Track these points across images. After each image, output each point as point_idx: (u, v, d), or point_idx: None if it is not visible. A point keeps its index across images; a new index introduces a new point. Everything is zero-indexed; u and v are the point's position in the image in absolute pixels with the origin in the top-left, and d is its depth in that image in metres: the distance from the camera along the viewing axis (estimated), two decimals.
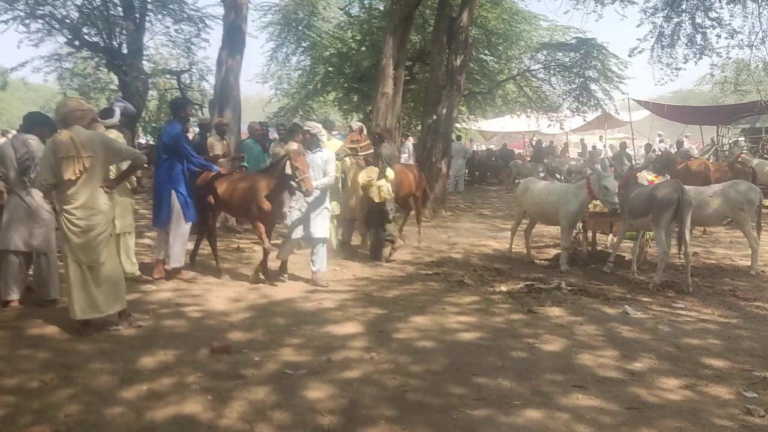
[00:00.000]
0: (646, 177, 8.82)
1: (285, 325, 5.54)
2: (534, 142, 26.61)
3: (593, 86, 20.61)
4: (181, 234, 6.95)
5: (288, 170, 6.80)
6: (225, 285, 7.01)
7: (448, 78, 13.79)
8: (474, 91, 22.59)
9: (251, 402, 3.88)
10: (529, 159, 24.40)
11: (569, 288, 6.96)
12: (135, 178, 7.49)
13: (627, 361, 4.66)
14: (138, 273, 7.01)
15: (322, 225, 7.25)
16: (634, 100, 21.56)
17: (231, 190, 7.21)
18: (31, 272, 6.12)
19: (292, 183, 6.79)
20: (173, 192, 6.86)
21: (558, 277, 7.54)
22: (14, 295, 5.90)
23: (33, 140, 5.84)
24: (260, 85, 66.68)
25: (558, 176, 18.61)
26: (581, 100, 20.72)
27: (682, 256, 7.29)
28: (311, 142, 7.36)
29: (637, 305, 6.32)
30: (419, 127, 17.76)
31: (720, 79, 17.71)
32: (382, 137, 8.91)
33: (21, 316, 5.58)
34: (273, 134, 13.33)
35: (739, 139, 19.03)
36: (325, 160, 7.31)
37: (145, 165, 6.23)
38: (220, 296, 6.47)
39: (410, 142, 16.69)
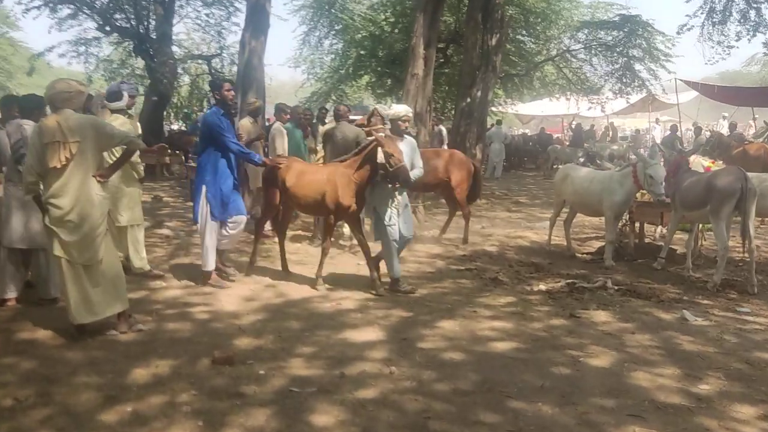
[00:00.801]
0: (702, 163, 8.00)
1: (298, 330, 5.00)
2: (573, 126, 25.55)
3: (638, 66, 19.59)
4: (208, 233, 6.22)
5: (378, 158, 5.98)
6: (241, 282, 6.51)
7: (483, 59, 13.07)
8: (510, 74, 21.74)
9: (247, 429, 3.35)
10: (567, 144, 23.45)
11: (616, 287, 6.27)
12: (150, 165, 7.00)
13: (691, 381, 3.98)
14: (147, 268, 6.56)
15: (410, 223, 6.52)
16: (681, 80, 20.38)
17: (304, 182, 6.34)
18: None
19: (384, 172, 5.97)
20: (203, 187, 6.14)
21: (603, 274, 6.84)
22: (11, 294, 5.49)
23: (28, 125, 5.37)
24: (292, 69, 66.20)
25: (598, 162, 17.69)
26: (624, 81, 19.71)
27: (744, 252, 6.52)
28: (395, 130, 6.51)
29: (695, 309, 5.61)
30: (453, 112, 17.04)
31: None
32: (340, 114, 8.33)
33: (15, 317, 5.16)
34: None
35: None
36: (412, 149, 6.50)
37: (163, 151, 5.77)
38: (233, 295, 5.97)
39: (443, 128, 15.99)
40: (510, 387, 3.86)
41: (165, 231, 9.13)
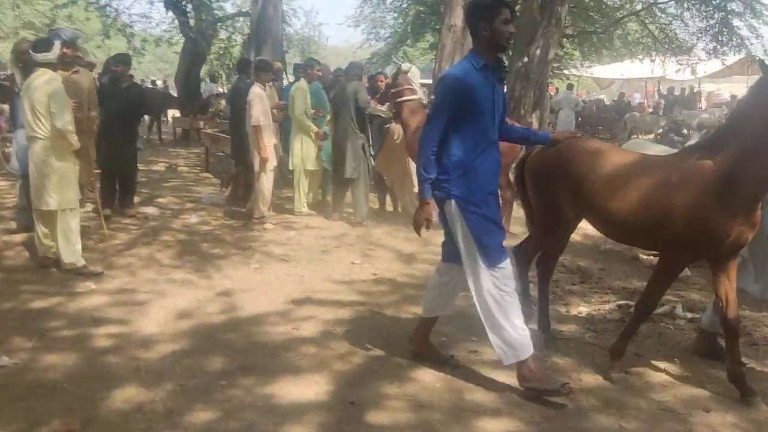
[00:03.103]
0: None
1: (217, 373, 3.55)
2: (664, 91, 22.65)
3: (736, 22, 16.75)
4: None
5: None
6: (194, 285, 5.16)
7: (545, 10, 11.02)
8: (587, 31, 19.30)
9: None
10: (651, 111, 20.84)
11: (689, 316, 4.49)
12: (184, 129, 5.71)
13: None
14: (81, 263, 5.28)
15: None
16: None
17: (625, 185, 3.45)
18: None
19: None
20: None
21: (673, 292, 5.05)
22: None
23: None
24: (352, 29, 63.49)
25: (685, 133, 15.23)
26: (720, 39, 16.94)
27: None
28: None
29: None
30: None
31: None
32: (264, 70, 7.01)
33: None
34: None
35: None
36: None
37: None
38: (167, 308, 4.59)
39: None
40: None
41: (149, 209, 7.89)
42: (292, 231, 7.06)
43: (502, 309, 3.22)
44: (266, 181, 7.21)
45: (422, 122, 7.02)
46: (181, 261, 5.85)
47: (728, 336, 3.35)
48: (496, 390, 3.31)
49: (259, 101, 6.96)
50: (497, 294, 3.23)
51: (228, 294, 4.94)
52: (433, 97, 20.27)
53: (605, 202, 3.45)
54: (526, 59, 11.15)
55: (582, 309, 4.63)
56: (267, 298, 4.82)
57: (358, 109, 7.30)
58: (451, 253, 3.50)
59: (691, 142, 7.52)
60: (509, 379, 3.44)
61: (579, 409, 3.15)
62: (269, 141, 7.14)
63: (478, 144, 3.26)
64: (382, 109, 7.48)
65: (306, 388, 3.38)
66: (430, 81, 9.51)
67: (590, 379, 3.47)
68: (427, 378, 3.48)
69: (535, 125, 11.36)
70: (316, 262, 5.91)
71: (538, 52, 11.06)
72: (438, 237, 6.87)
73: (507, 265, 3.30)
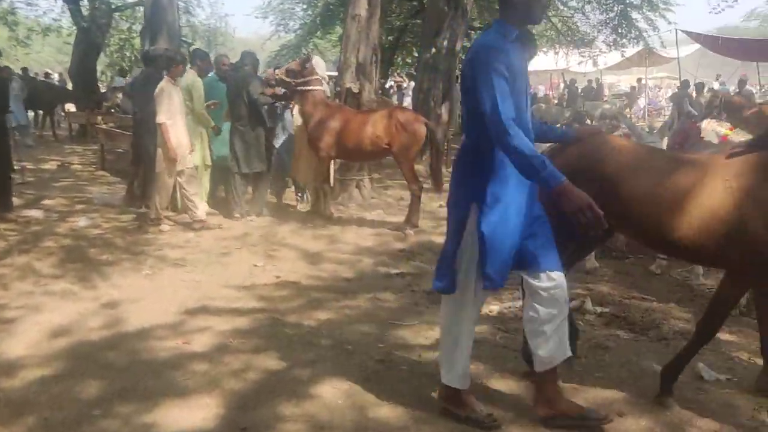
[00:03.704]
0: (717, 130, 6.09)
1: (91, 400, 3.12)
2: (568, 82, 23.28)
3: (635, 15, 17.42)
4: None
5: None
6: (76, 297, 4.65)
7: (451, 2, 10.94)
8: (490, 25, 19.57)
9: None
10: (556, 102, 21.39)
11: (598, 311, 4.42)
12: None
13: None
14: None
15: None
16: (683, 31, 18.27)
17: (673, 192, 2.90)
18: None
19: None
20: None
21: (581, 286, 5.00)
22: None
23: None
24: (260, 21, 61.49)
25: (588, 123, 15.67)
26: (620, 31, 17.58)
27: None
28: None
29: (712, 351, 3.77)
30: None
31: None
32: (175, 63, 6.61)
33: None
34: None
35: None
36: None
37: None
38: (41, 324, 4.08)
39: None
40: None
41: (33, 212, 7.19)
42: (191, 232, 6.60)
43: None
44: (168, 182, 6.67)
45: (325, 115, 6.79)
46: (63, 270, 5.30)
47: None
48: (404, 405, 3.06)
49: (166, 98, 6.42)
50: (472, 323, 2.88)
51: (114, 305, 4.47)
52: (406, 83, 19.65)
53: (650, 211, 2.89)
54: (433, 50, 11.06)
55: (493, 308, 4.48)
56: (157, 309, 4.39)
57: (252, 100, 6.92)
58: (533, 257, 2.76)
59: None
60: (417, 390, 3.21)
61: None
62: (179, 140, 6.59)
63: None
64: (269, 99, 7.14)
65: (193, 413, 3.01)
66: (335, 73, 9.24)
67: (501, 385, 3.28)
68: (328, 394, 3.19)
69: (445, 117, 11.33)
70: (214, 266, 5.50)
71: (445, 43, 10.99)
72: (346, 234, 6.70)
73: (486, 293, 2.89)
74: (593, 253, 5.48)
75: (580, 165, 3.04)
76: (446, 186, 9.20)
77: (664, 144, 5.32)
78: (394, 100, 16.44)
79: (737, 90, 15.11)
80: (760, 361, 3.43)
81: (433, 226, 7.12)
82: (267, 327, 4.12)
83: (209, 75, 7.69)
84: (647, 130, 12.47)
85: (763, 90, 18.31)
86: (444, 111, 11.21)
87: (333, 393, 3.18)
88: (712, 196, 2.76)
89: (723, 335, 4.05)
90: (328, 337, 3.92)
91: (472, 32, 20.38)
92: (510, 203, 2.68)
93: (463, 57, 17.52)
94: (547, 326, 2.73)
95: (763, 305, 3.12)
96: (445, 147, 11.80)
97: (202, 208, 6.87)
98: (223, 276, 5.21)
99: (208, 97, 7.22)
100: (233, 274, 5.28)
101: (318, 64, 7.00)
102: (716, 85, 18.61)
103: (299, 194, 8.09)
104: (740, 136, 7.47)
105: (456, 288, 2.78)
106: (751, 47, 18.72)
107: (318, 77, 6.79)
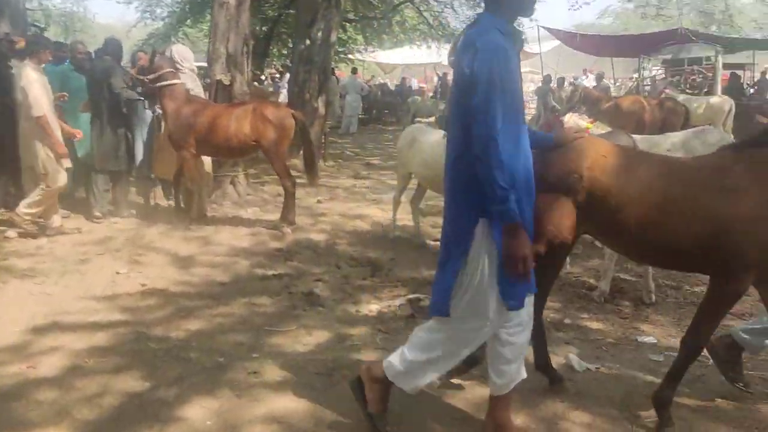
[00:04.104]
0: (578, 123, 6.36)
1: None
2: (440, 75, 23.78)
3: None
4: None
5: None
6: None
7: None
8: (368, 17, 19.60)
9: None
10: (432, 95, 21.84)
11: None
12: None
13: None
14: None
15: None
16: (544, 28, 19.22)
17: (661, 199, 2.78)
18: None
19: None
20: None
21: None
22: None
23: None
24: (124, 6, 57.71)
25: None
26: None
27: None
28: None
29: (581, 341, 3.89)
30: None
31: (642, 2, 15.55)
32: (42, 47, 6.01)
33: None
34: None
35: (658, 72, 17.22)
36: None
37: None
38: None
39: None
40: None
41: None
42: (44, 238, 5.97)
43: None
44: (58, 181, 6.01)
45: (184, 110, 6.37)
46: None
47: None
48: (280, 421, 2.87)
49: (40, 87, 5.75)
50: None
51: None
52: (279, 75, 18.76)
53: (638, 219, 2.75)
54: (308, 42, 10.83)
55: (372, 307, 4.38)
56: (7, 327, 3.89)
57: (113, 94, 6.39)
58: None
59: None
60: (292, 403, 3.03)
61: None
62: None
63: (519, 137, 2.48)
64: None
65: None
66: (205, 64, 8.76)
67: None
68: (196, 415, 2.93)
69: (322, 110, 11.14)
70: (70, 276, 5.00)
71: (320, 34, 10.79)
72: (220, 234, 6.35)
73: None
74: None
75: (564, 173, 2.85)
76: (323, 181, 8.96)
77: None
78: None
79: (596, 84, 16.09)
80: (629, 348, 3.57)
81: (312, 223, 6.95)
82: (129, 342, 3.76)
83: (64, 64, 7.02)
84: None
85: (617, 84, 19.65)
86: (320, 104, 11.01)
87: (201, 414, 2.93)
88: (704, 199, 2.67)
89: (591, 323, 4.21)
90: (197, 350, 3.64)
91: (348, 24, 20.38)
92: (523, 211, 2.46)
93: (339, 49, 17.34)
94: (525, 350, 2.67)
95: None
96: (323, 141, 11.65)
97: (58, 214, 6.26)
98: (81, 286, 4.74)
99: (63, 88, 6.57)
100: (92, 283, 4.82)
101: (182, 54, 6.59)
102: (587, 81, 19.72)
103: (169, 193, 7.60)
104: (600, 129, 7.93)
105: (450, 310, 2.54)
106: (607, 43, 20.05)
107: (171, 70, 6.35)
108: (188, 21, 21.50)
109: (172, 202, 7.36)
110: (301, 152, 10.27)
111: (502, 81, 2.34)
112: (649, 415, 2.94)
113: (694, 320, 2.85)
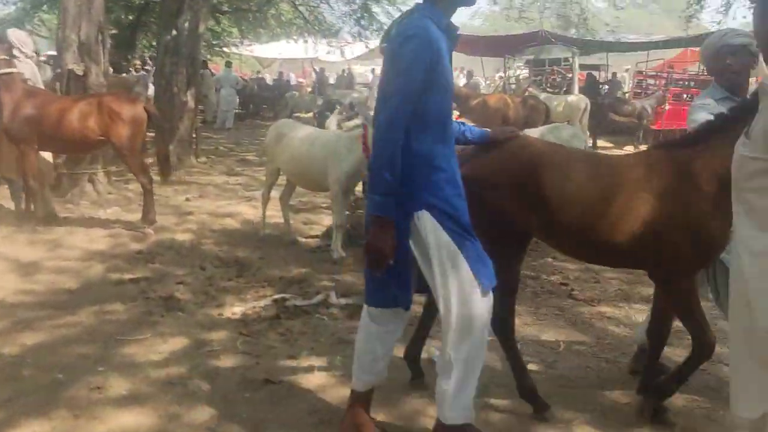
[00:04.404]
0: None
1: None
2: (318, 71, 23.59)
3: (376, 9, 18.26)
4: None
5: None
6: None
7: None
8: (242, 9, 19.09)
9: None
10: (310, 90, 21.64)
11: (344, 302, 4.38)
12: None
13: None
14: None
15: None
16: None
17: (600, 197, 2.79)
18: None
19: None
20: None
21: (328, 277, 4.96)
22: None
23: None
24: None
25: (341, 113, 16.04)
26: (362, 23, 18.28)
27: None
28: None
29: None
30: None
31: (507, 4, 16.27)
32: None
33: None
34: None
35: (523, 71, 18.08)
36: None
37: None
38: None
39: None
40: None
41: None
42: None
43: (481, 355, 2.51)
44: None
45: (22, 102, 5.82)
46: None
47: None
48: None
49: None
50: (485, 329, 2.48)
51: None
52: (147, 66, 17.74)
53: (578, 218, 2.73)
54: (174, 32, 10.31)
55: (236, 309, 4.20)
56: None
57: None
58: (394, 296, 2.50)
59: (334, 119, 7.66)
60: (139, 418, 2.81)
61: None
62: None
63: (446, 130, 2.42)
64: None
65: None
66: (54, 52, 8.09)
67: (237, 410, 3.01)
68: None
69: (191, 104, 10.67)
70: None
71: (186, 25, 10.32)
72: (73, 236, 5.87)
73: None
74: (340, 243, 5.50)
75: (501, 171, 2.78)
76: (194, 178, 8.56)
77: None
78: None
79: (466, 82, 16.63)
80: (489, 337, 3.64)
81: (177, 223, 6.59)
82: None
83: None
84: None
85: (487, 82, 20.41)
86: (190, 97, 10.53)
87: None
88: (636, 199, 2.69)
89: None
90: (33, 366, 3.29)
91: (222, 16, 19.72)
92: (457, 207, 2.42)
93: (214, 42, 16.78)
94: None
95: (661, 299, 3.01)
96: (194, 136, 11.16)
97: None
98: None
99: None
100: None
101: (21, 40, 6.02)
102: (457, 79, 20.29)
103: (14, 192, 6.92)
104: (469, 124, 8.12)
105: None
106: (476, 43, 20.77)
107: (5, 58, 5.79)
108: (44, 6, 19.95)
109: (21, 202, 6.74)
110: (171, 147, 9.87)
111: (427, 72, 2.26)
112: (504, 405, 3.01)
113: (685, 326, 2.89)
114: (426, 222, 2.36)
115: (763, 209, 1.90)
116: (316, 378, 3.22)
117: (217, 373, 3.24)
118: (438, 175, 2.38)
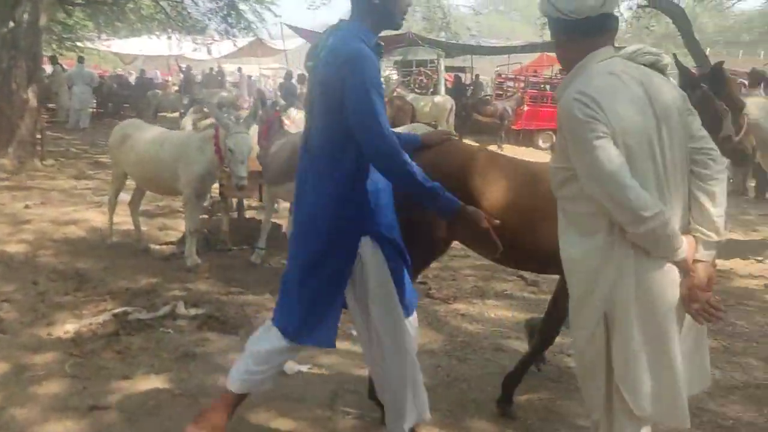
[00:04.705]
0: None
1: None
2: (184, 69, 22.58)
3: (243, 6, 17.74)
4: None
5: None
6: None
7: None
8: (98, 2, 17.86)
9: None
10: (176, 89, 20.66)
11: (193, 313, 4.13)
12: None
13: None
14: None
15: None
16: (287, 25, 19.35)
17: (520, 201, 2.80)
18: None
19: None
20: None
21: (179, 286, 4.67)
22: None
23: None
24: None
25: (205, 111, 15.41)
26: (229, 21, 17.71)
27: None
28: None
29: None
30: None
31: None
32: None
33: None
34: None
35: (392, 72, 18.34)
36: None
37: None
38: None
39: None
40: None
41: None
42: None
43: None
44: None
45: None
46: None
47: None
48: None
49: None
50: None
51: None
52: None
53: (509, 226, 2.59)
54: (12, 24, 9.44)
55: (69, 327, 3.82)
56: None
57: None
58: (328, 334, 2.43)
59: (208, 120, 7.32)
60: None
61: None
62: None
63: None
64: None
65: None
66: None
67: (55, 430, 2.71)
68: None
69: (33, 102, 9.80)
70: None
71: (26, 17, 9.51)
72: None
73: None
74: (194, 249, 5.21)
75: (434, 176, 2.55)
76: (36, 183, 7.79)
77: (254, 133, 5.27)
78: None
79: None
80: (343, 342, 3.56)
81: (11, 233, 5.98)
82: None
83: None
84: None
85: None
86: (31, 95, 9.67)
87: None
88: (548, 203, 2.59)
89: None
90: None
91: (73, 8, 18.35)
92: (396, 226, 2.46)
93: (65, 35, 15.67)
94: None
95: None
96: (39, 137, 10.27)
97: None
98: None
99: None
100: None
101: None
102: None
103: None
104: None
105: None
106: None
107: None
108: None
109: None
110: (11, 150, 9.04)
111: (377, 87, 2.22)
112: (354, 411, 2.94)
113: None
114: (368, 248, 2.36)
115: (578, 215, 1.97)
116: (152, 399, 2.97)
117: (36, 401, 2.90)
118: (380, 196, 2.39)
